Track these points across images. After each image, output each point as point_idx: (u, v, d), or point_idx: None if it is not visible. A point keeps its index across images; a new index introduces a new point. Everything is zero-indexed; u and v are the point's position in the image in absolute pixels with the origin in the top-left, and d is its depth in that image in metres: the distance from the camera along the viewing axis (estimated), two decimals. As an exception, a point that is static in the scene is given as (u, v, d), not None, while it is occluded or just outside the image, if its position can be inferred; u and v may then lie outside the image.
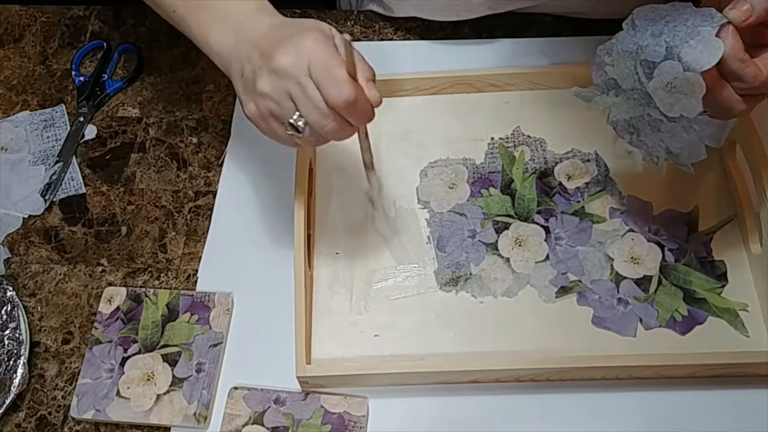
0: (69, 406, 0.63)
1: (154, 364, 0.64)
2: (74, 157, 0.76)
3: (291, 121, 0.52)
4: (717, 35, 0.50)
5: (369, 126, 0.57)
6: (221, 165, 0.75)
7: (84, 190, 0.74)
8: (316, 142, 0.54)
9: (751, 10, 0.50)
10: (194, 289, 0.68)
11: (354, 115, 0.52)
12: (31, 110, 0.80)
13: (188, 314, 0.66)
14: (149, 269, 0.70)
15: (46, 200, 0.74)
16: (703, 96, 0.52)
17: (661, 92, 0.54)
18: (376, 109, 0.53)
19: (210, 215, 0.72)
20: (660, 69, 0.53)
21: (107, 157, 0.76)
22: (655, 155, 0.60)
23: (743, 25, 0.50)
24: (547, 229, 0.68)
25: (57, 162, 0.76)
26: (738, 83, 0.52)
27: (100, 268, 0.70)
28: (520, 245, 0.68)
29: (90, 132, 0.78)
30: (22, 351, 0.64)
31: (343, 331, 0.65)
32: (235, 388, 0.63)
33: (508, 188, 0.71)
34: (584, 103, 0.62)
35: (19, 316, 0.66)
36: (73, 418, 0.63)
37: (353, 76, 0.51)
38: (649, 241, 0.67)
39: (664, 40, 0.52)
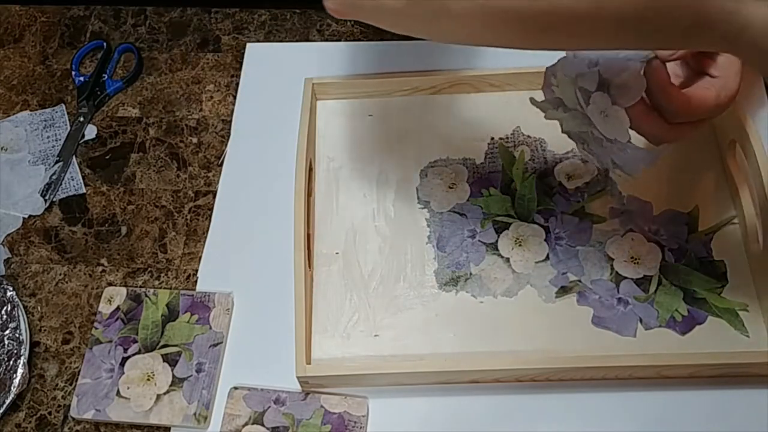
0: (69, 406, 0.63)
1: (154, 364, 0.64)
2: (74, 157, 0.76)
3: None
4: (645, 68, 0.52)
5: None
6: (221, 165, 0.75)
7: (84, 190, 0.74)
8: None
9: None
10: (194, 289, 0.68)
11: None
12: (31, 110, 0.80)
13: (188, 314, 0.66)
14: (149, 269, 0.70)
15: (46, 200, 0.74)
16: (632, 125, 0.53)
17: (597, 117, 0.55)
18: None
19: (210, 215, 0.72)
20: (593, 98, 0.54)
21: (107, 157, 0.76)
22: (605, 164, 0.61)
23: (670, 59, 0.52)
24: (547, 229, 0.68)
25: (57, 162, 0.76)
26: (667, 114, 0.53)
27: (100, 268, 0.70)
28: (520, 245, 0.68)
29: (90, 132, 0.78)
30: (22, 351, 0.64)
31: (343, 331, 0.65)
32: (235, 388, 0.63)
33: (508, 188, 0.71)
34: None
35: (19, 316, 0.66)
36: (73, 418, 0.63)
37: None
38: (649, 241, 0.67)
39: (598, 71, 0.54)
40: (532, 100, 0.63)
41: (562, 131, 0.62)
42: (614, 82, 0.53)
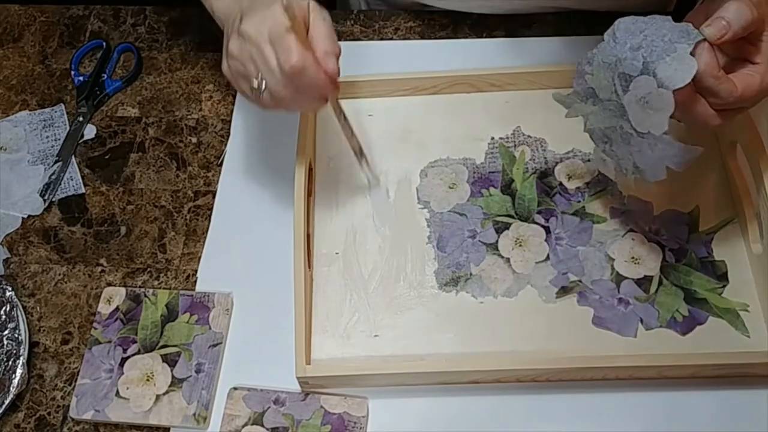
0: (68, 406, 0.63)
1: (153, 364, 0.64)
2: (73, 157, 0.76)
3: (253, 84, 0.55)
4: (692, 52, 0.50)
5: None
6: (221, 165, 0.75)
7: (83, 190, 0.74)
8: (277, 107, 0.56)
9: (728, 27, 0.51)
10: (194, 289, 0.68)
11: (303, 84, 0.54)
12: (30, 110, 0.79)
13: (188, 314, 0.66)
14: (148, 269, 0.70)
15: (45, 200, 0.73)
16: (678, 110, 0.52)
17: (635, 106, 0.54)
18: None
19: (210, 215, 0.72)
20: (635, 83, 0.53)
21: (107, 157, 0.76)
22: (624, 167, 0.60)
23: (718, 42, 0.51)
24: (547, 229, 0.68)
25: (56, 162, 0.75)
26: (713, 99, 0.52)
27: (99, 268, 0.70)
28: (520, 245, 0.68)
29: (89, 132, 0.78)
30: (22, 351, 0.64)
31: (343, 331, 0.65)
32: (235, 388, 0.63)
33: (508, 188, 0.71)
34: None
35: (18, 316, 0.66)
36: (73, 419, 0.63)
37: (309, 48, 0.53)
38: (649, 241, 0.67)
39: (641, 55, 0.52)
40: (556, 95, 0.62)
41: (585, 129, 0.61)
42: (661, 65, 0.51)
